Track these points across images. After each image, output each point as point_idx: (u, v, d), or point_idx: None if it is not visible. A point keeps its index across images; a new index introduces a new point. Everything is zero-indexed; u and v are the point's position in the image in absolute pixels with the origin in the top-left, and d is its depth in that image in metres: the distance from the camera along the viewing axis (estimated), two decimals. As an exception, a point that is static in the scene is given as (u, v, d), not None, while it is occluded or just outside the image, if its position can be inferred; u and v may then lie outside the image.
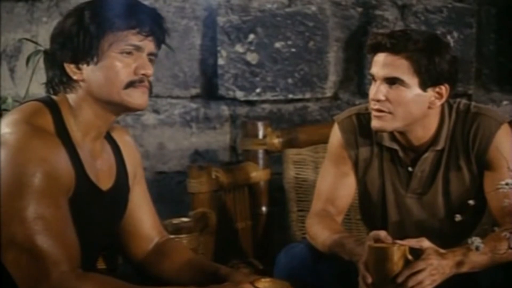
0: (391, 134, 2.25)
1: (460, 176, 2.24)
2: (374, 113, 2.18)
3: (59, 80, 1.77)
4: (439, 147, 2.23)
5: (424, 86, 2.14)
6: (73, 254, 1.66)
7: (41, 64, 2.65)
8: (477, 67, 3.04)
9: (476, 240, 1.77)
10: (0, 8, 3.23)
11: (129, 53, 1.76)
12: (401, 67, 2.13)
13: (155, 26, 1.79)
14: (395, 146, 2.25)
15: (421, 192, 2.27)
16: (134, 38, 1.75)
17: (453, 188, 2.25)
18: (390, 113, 2.15)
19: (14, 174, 1.62)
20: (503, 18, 3.01)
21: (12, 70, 3.32)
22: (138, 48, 1.76)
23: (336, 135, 2.35)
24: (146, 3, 1.84)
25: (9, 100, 2.83)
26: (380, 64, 2.15)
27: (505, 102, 3.04)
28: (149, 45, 1.78)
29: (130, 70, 1.76)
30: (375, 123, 2.18)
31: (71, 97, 1.78)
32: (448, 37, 3.01)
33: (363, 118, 2.31)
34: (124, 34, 1.74)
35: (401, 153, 2.25)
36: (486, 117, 2.21)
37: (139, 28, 1.75)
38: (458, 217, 1.85)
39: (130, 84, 1.76)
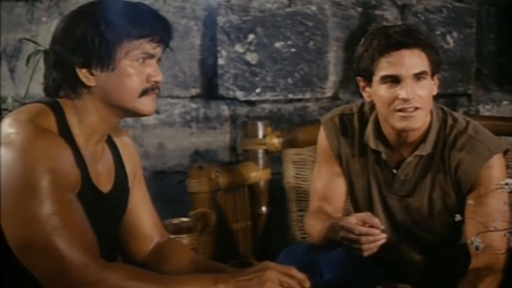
0: (377, 133, 2.25)
1: (446, 190, 2.24)
2: (401, 114, 2.13)
3: (68, 83, 1.76)
4: (424, 152, 2.21)
5: (432, 75, 2.18)
6: (92, 245, 1.65)
7: (41, 64, 2.65)
8: (477, 67, 3.04)
9: (476, 240, 1.77)
10: (0, 8, 3.23)
11: (142, 60, 1.75)
12: (424, 60, 2.14)
13: (165, 33, 1.79)
14: (380, 148, 2.25)
15: (405, 194, 2.27)
16: (148, 46, 1.75)
17: (437, 197, 2.25)
18: (420, 108, 2.14)
19: (24, 174, 1.61)
20: (503, 18, 3.01)
21: (12, 70, 3.32)
22: (151, 56, 1.77)
23: (321, 135, 2.37)
24: (146, 3, 1.84)
25: (9, 100, 2.83)
26: (403, 62, 2.12)
27: (505, 102, 3.04)
28: (158, 51, 1.79)
29: (143, 78, 1.76)
30: (403, 124, 2.14)
31: (77, 100, 1.77)
32: (448, 37, 3.01)
33: (346, 119, 2.32)
34: (139, 43, 1.74)
35: (384, 156, 2.25)
36: (480, 144, 2.18)
37: (152, 36, 1.75)
38: (458, 217, 1.84)
39: (144, 92, 1.76)
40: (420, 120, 2.16)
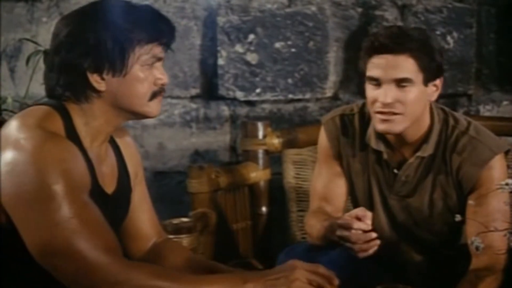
0: (378, 133, 2.24)
1: (447, 190, 2.23)
2: (380, 116, 2.14)
3: (76, 88, 1.74)
4: (425, 153, 2.21)
5: (426, 82, 2.14)
6: (113, 245, 1.65)
7: (41, 64, 2.66)
8: (477, 67, 3.04)
9: (476, 240, 1.77)
10: (0, 8, 3.23)
11: (150, 64, 1.76)
12: (409, 67, 2.11)
13: (171, 36, 1.79)
14: (381, 148, 2.25)
15: (405, 195, 2.27)
16: (157, 50, 1.76)
17: (438, 198, 2.24)
18: (400, 114, 2.13)
19: (38, 179, 1.60)
20: (503, 18, 3.01)
21: (12, 70, 3.32)
22: (159, 59, 1.77)
23: (322, 136, 2.37)
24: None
25: (9, 100, 2.83)
26: (385, 66, 2.12)
27: (505, 102, 3.04)
28: (163, 53, 1.79)
29: (152, 81, 1.77)
30: (382, 127, 2.15)
31: (85, 103, 1.75)
32: (448, 37, 3.01)
33: (347, 119, 2.32)
34: (150, 47, 1.74)
35: (385, 156, 2.25)
36: (481, 144, 2.18)
37: (160, 40, 1.76)
38: (458, 217, 1.85)
39: (153, 96, 1.77)
40: (401, 125, 2.15)
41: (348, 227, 2.03)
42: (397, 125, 2.15)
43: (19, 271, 1.68)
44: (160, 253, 1.96)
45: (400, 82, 2.12)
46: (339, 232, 2.05)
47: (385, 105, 2.13)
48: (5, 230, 1.63)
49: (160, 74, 1.78)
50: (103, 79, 1.73)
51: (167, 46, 1.79)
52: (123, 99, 1.75)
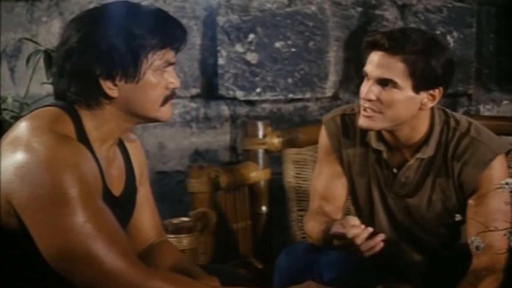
0: (379, 134, 2.24)
1: (447, 193, 2.23)
2: (363, 112, 2.15)
3: (88, 94, 1.72)
4: (425, 155, 2.21)
5: (417, 89, 2.11)
6: (129, 249, 1.65)
7: (41, 64, 2.65)
8: (477, 67, 3.04)
9: (476, 240, 1.77)
10: (0, 8, 3.23)
11: (162, 69, 1.75)
12: (396, 70, 2.09)
13: (183, 40, 1.78)
14: (381, 147, 2.25)
15: (405, 195, 2.26)
16: (170, 55, 1.75)
17: (437, 200, 2.24)
18: (380, 112, 2.13)
19: (53, 183, 1.58)
20: (503, 18, 3.01)
21: (12, 70, 3.32)
22: (171, 64, 1.76)
23: (322, 135, 2.37)
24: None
25: (9, 100, 2.83)
26: (375, 63, 2.12)
27: (505, 102, 3.04)
28: (175, 57, 1.78)
29: (164, 86, 1.75)
30: (362, 122, 2.16)
31: (96, 108, 1.74)
32: (448, 37, 3.01)
33: (348, 119, 2.32)
34: (163, 53, 1.73)
35: (385, 155, 2.25)
36: (483, 145, 2.17)
37: (173, 45, 1.75)
38: (458, 217, 1.85)
39: (166, 100, 1.76)
40: (379, 124, 2.15)
41: (341, 237, 2.03)
42: (376, 123, 2.15)
43: (30, 275, 1.68)
44: (153, 253, 1.96)
45: (384, 82, 2.11)
46: (336, 242, 2.05)
47: (366, 100, 2.13)
48: (16, 234, 1.62)
49: (172, 78, 1.76)
50: (115, 85, 1.71)
51: (179, 50, 1.78)
52: (135, 105, 1.74)
